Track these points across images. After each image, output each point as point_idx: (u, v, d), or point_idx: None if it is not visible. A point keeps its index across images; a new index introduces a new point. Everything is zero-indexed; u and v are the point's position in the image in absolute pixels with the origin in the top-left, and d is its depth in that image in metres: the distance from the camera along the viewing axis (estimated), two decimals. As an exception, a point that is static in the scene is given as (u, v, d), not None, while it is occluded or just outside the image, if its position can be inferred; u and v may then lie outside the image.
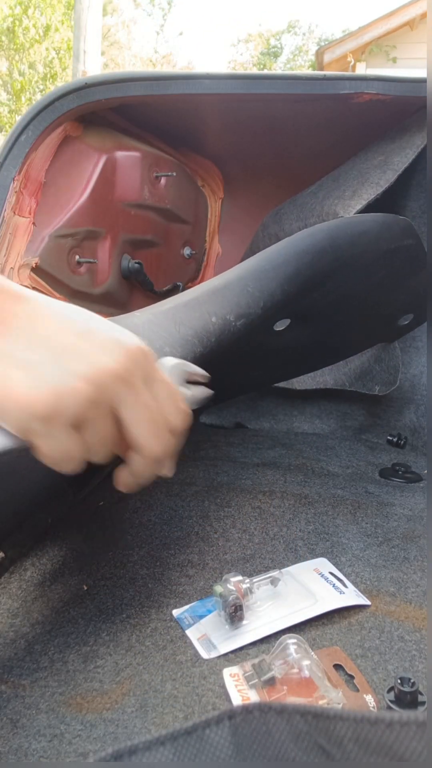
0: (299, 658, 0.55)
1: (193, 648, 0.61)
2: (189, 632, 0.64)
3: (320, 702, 0.51)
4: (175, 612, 0.67)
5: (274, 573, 0.68)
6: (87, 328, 0.37)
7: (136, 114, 1.12)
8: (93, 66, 6.23)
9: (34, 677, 0.58)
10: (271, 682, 0.53)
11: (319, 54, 8.05)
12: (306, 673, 0.54)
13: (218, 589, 0.64)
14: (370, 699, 0.53)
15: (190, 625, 0.65)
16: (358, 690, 0.54)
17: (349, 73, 1.02)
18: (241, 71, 1.09)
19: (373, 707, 0.53)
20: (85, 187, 1.05)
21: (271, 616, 0.64)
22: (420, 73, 1.09)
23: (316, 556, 0.76)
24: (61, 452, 0.35)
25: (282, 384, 1.22)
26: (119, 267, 1.15)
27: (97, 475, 0.92)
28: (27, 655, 0.61)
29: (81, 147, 1.05)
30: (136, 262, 1.16)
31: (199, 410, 1.32)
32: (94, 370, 0.35)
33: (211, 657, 0.60)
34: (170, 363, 0.43)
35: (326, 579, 0.70)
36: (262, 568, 0.74)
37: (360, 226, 0.83)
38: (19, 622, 0.66)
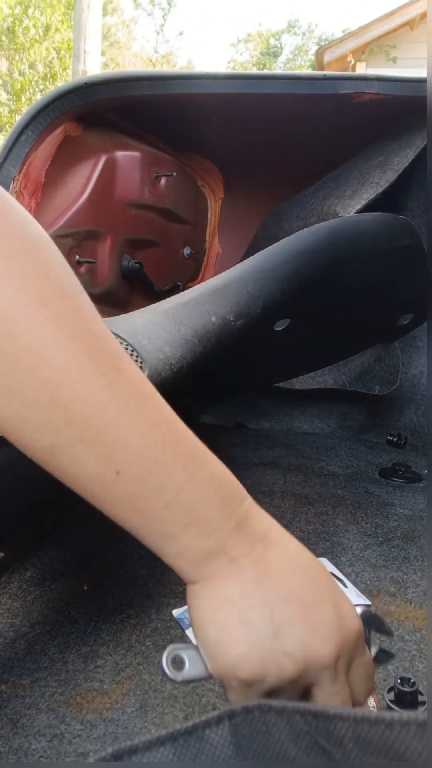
0: (299, 658, 0.55)
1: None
2: (189, 632, 0.64)
3: (320, 702, 0.51)
4: (176, 612, 0.67)
5: (274, 573, 0.68)
6: (314, 599, 0.37)
7: (136, 114, 1.12)
8: (93, 66, 6.23)
9: (34, 677, 0.58)
10: (271, 682, 0.53)
11: (319, 54, 8.05)
12: (306, 673, 0.54)
13: (218, 588, 0.64)
14: (370, 699, 0.53)
15: (190, 625, 0.64)
16: (358, 690, 0.54)
17: (349, 73, 1.02)
18: (241, 71, 1.09)
19: (374, 707, 0.53)
20: (85, 187, 1.05)
21: (271, 616, 0.64)
22: (420, 73, 1.09)
23: (317, 556, 0.76)
24: (242, 700, 0.37)
25: (282, 384, 1.22)
26: (119, 267, 1.15)
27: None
28: (27, 655, 0.61)
29: (81, 147, 1.05)
30: (136, 262, 1.16)
31: (199, 410, 1.32)
32: (305, 656, 0.36)
33: (211, 657, 0.60)
34: (363, 617, 0.42)
35: (326, 579, 0.70)
36: (262, 568, 0.74)
37: (360, 225, 0.83)
38: (20, 622, 0.66)
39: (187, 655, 0.38)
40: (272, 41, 17.54)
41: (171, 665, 0.38)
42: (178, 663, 0.38)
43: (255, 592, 0.36)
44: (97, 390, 0.34)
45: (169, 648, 0.38)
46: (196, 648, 0.38)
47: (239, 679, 0.36)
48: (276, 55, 17.24)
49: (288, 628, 0.36)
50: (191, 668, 0.37)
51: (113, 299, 1.16)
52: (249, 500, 0.39)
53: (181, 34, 25.51)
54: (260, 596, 0.36)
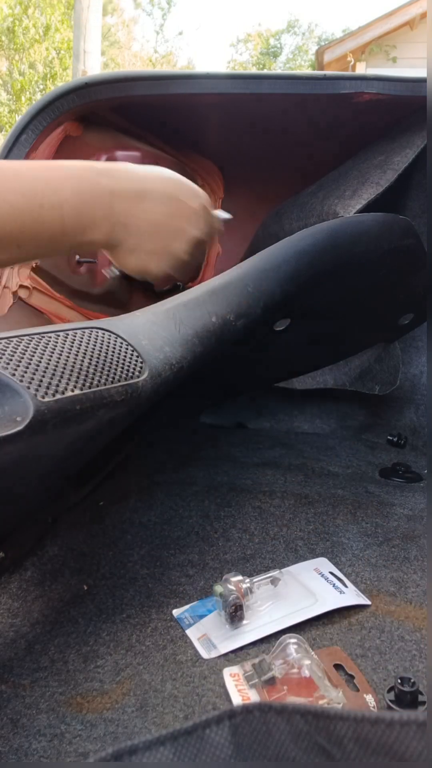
0: (299, 658, 0.55)
1: (194, 648, 0.61)
2: (189, 632, 0.64)
3: (320, 702, 0.51)
4: (176, 612, 0.67)
5: (275, 573, 0.68)
6: (177, 209, 0.59)
7: (136, 114, 1.12)
8: (93, 66, 6.23)
9: (34, 677, 0.58)
10: (271, 682, 0.53)
11: (319, 54, 8.04)
12: (306, 672, 0.54)
13: (218, 588, 0.64)
14: (370, 699, 0.53)
15: (190, 625, 0.65)
16: (358, 690, 0.54)
17: (349, 73, 1.02)
18: (241, 71, 1.08)
19: (374, 707, 0.53)
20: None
21: (272, 615, 0.64)
22: (420, 73, 1.09)
23: (316, 556, 0.76)
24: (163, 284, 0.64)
25: (282, 384, 1.22)
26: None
27: (96, 476, 0.92)
28: (27, 655, 0.61)
29: (81, 147, 1.05)
30: (136, 262, 1.16)
31: (199, 410, 1.32)
32: (190, 245, 0.60)
33: (211, 657, 0.60)
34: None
35: (326, 579, 0.70)
36: (263, 568, 0.74)
37: (360, 225, 0.83)
38: (20, 622, 0.66)
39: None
40: (272, 41, 17.53)
41: None
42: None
43: (145, 233, 0.57)
44: None
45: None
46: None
47: (163, 281, 0.63)
48: (276, 55, 17.23)
49: (173, 238, 0.58)
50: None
51: (113, 299, 1.16)
52: (79, 170, 0.54)
53: (180, 34, 25.49)
54: (149, 233, 0.57)
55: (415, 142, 1.01)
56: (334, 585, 0.69)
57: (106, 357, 0.55)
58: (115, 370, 0.54)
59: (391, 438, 1.18)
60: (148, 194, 0.56)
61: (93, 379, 0.52)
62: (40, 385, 0.47)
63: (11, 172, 0.49)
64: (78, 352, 0.53)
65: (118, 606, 0.69)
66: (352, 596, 0.67)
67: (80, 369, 0.51)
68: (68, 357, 0.52)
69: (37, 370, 0.48)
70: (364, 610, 0.66)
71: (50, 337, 0.53)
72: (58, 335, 0.53)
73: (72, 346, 0.53)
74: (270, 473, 0.99)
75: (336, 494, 0.93)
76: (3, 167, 0.49)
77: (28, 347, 0.50)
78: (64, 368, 0.50)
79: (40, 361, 0.49)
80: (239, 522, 0.84)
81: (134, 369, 0.56)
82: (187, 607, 0.68)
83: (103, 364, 0.54)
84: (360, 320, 1.04)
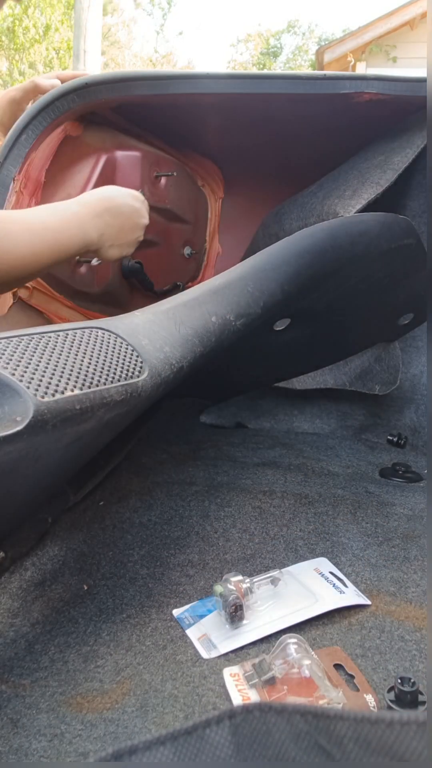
0: (299, 658, 0.55)
1: (194, 648, 0.61)
2: (189, 632, 0.64)
3: (320, 702, 0.51)
4: (176, 612, 0.67)
5: (275, 573, 0.68)
6: (129, 213, 0.87)
7: (137, 114, 1.12)
8: (93, 66, 6.22)
9: (34, 677, 0.58)
10: (271, 682, 0.53)
11: (319, 53, 8.04)
12: (306, 672, 0.54)
13: (218, 588, 0.64)
14: (370, 699, 0.53)
15: (190, 625, 0.65)
16: (358, 690, 0.54)
17: (349, 73, 1.02)
18: (241, 71, 1.08)
19: (374, 707, 0.53)
20: (85, 187, 1.05)
21: (272, 615, 0.64)
22: (420, 73, 1.09)
23: (317, 556, 0.76)
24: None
25: (282, 384, 1.22)
26: (119, 267, 1.15)
27: (96, 476, 0.91)
28: (27, 655, 0.61)
29: (81, 147, 1.05)
30: (136, 262, 1.16)
31: (199, 410, 1.32)
32: (143, 230, 0.91)
33: (211, 657, 0.60)
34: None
35: (326, 579, 0.70)
36: (263, 567, 0.74)
37: (360, 225, 0.83)
38: (20, 621, 0.66)
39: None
40: (272, 41, 17.52)
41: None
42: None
43: (116, 236, 0.85)
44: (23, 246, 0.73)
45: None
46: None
47: (128, 255, 0.91)
48: (276, 55, 17.22)
49: (132, 234, 0.88)
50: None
51: (113, 299, 1.16)
52: (74, 207, 0.81)
53: (181, 34, 25.47)
54: (117, 235, 0.86)
55: (415, 142, 1.01)
56: (334, 585, 0.69)
57: (105, 357, 0.55)
58: (115, 369, 0.54)
59: (391, 438, 1.18)
60: (109, 210, 0.83)
61: (93, 378, 0.52)
62: (39, 385, 0.47)
63: (41, 227, 0.74)
64: (78, 352, 0.53)
65: (118, 606, 0.69)
66: (352, 596, 0.67)
67: (80, 369, 0.51)
68: (68, 357, 0.52)
69: (37, 370, 0.48)
70: (364, 610, 0.66)
71: (50, 337, 0.53)
72: (58, 335, 0.54)
73: (72, 346, 0.53)
74: (270, 473, 0.99)
75: (336, 494, 0.93)
76: (40, 225, 0.74)
77: (28, 347, 0.50)
78: (64, 368, 0.50)
79: (40, 361, 0.49)
80: (239, 522, 0.84)
81: (134, 369, 0.56)
82: (187, 607, 0.68)
83: (103, 364, 0.54)
84: (360, 320, 1.04)
